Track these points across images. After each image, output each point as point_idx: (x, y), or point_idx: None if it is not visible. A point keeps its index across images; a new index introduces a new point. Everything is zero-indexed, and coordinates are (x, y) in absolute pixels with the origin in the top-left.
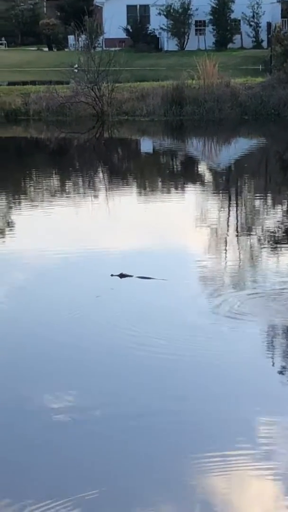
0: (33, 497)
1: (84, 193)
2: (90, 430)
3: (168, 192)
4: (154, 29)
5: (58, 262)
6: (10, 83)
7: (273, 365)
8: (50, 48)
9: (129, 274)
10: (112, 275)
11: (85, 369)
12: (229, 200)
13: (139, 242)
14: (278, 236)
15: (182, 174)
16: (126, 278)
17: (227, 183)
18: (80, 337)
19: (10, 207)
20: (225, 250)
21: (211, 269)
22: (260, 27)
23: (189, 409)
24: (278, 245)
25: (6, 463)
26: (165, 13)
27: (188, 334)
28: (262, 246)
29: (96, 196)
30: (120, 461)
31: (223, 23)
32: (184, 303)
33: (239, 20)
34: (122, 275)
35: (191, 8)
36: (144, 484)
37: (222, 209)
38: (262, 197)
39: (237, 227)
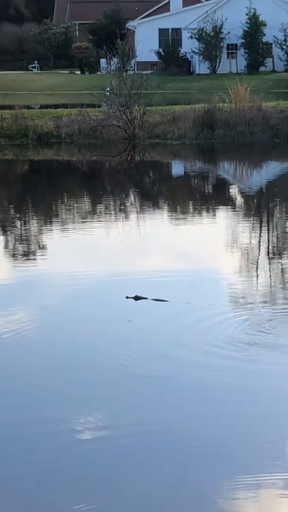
0: None
1: (115, 216)
2: (114, 451)
3: (199, 215)
4: (186, 52)
5: (88, 284)
6: (42, 106)
7: None
8: (82, 71)
9: (144, 296)
10: (127, 297)
11: (114, 390)
12: (260, 223)
13: (168, 265)
14: None
15: (213, 197)
16: (141, 300)
17: (258, 207)
18: (109, 359)
19: (42, 229)
20: (256, 273)
21: (240, 292)
22: None
23: (216, 431)
24: None
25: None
26: (197, 36)
27: (216, 354)
28: None
29: (127, 219)
30: (146, 484)
31: (255, 47)
32: (209, 324)
33: (271, 44)
34: (137, 298)
35: (223, 32)
36: (171, 508)
37: (253, 232)
38: None
39: (268, 251)
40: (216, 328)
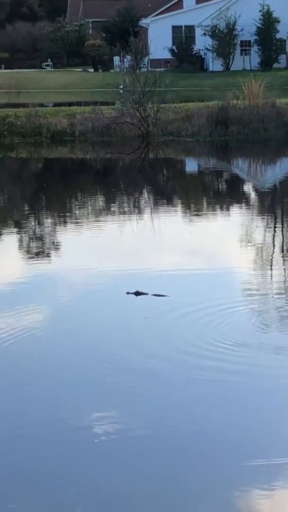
0: None
1: (129, 213)
2: (133, 452)
3: (213, 212)
4: (199, 49)
5: (101, 281)
6: (56, 104)
7: None
8: (96, 69)
9: (145, 292)
10: (127, 292)
11: (132, 390)
12: (275, 220)
13: (181, 262)
14: None
15: (227, 194)
16: (142, 295)
17: (272, 203)
18: (126, 357)
19: (56, 227)
20: (269, 271)
21: (250, 289)
22: None
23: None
24: None
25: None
26: (210, 33)
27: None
28: None
29: (140, 217)
30: (170, 487)
31: (269, 43)
32: (222, 321)
33: (285, 40)
34: (137, 293)
35: (236, 29)
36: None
37: (268, 229)
38: None
39: (282, 248)
40: (213, 325)
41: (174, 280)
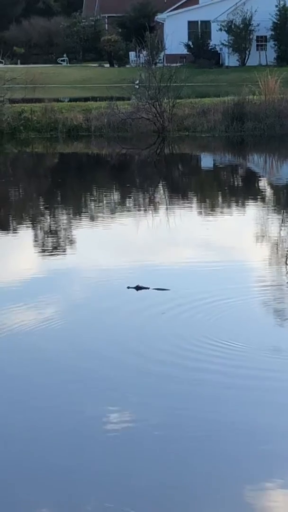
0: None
1: (144, 208)
2: (148, 445)
3: (229, 208)
4: (215, 44)
5: (114, 276)
6: (71, 100)
7: None
8: (111, 64)
9: (146, 286)
10: (128, 287)
11: (151, 385)
12: None
13: (196, 257)
14: None
15: (243, 190)
16: (143, 290)
17: (287, 199)
18: (142, 352)
19: (71, 222)
20: (286, 265)
21: (267, 284)
22: None
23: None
24: None
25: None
26: (226, 28)
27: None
28: None
29: (156, 212)
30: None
31: (285, 38)
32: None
33: None
34: (138, 287)
35: (252, 24)
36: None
37: (283, 225)
38: None
39: None
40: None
41: (186, 275)
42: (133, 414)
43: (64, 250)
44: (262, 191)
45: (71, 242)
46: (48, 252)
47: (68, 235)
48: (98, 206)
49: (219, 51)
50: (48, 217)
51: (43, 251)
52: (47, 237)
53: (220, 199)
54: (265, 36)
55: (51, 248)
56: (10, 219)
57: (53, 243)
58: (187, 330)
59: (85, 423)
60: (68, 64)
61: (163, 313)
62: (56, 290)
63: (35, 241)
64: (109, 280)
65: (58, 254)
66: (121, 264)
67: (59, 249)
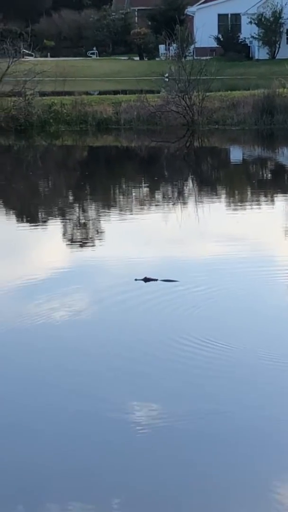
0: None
1: (173, 202)
2: (175, 442)
3: (257, 201)
4: (245, 37)
5: (140, 269)
6: (101, 93)
7: None
8: (141, 57)
9: (154, 278)
10: (136, 279)
11: (177, 381)
12: None
13: (225, 250)
14: None
15: (272, 183)
16: (151, 282)
17: None
18: (169, 347)
19: (100, 215)
20: None
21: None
22: None
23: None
24: None
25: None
26: (256, 21)
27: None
28: None
29: (185, 205)
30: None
31: None
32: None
33: None
34: (146, 279)
35: (283, 17)
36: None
37: None
38: None
39: None
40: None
41: (209, 268)
42: (163, 409)
43: (92, 243)
44: None
45: (99, 234)
46: (76, 244)
47: (97, 227)
48: (127, 199)
49: (249, 44)
50: (77, 210)
51: (71, 243)
52: (75, 229)
53: (249, 192)
54: None
55: (78, 240)
56: (40, 211)
57: (81, 235)
58: (215, 325)
59: (109, 418)
60: (98, 57)
61: (194, 306)
62: (81, 282)
63: (64, 233)
64: (133, 272)
65: (85, 246)
66: (147, 257)
67: (87, 241)
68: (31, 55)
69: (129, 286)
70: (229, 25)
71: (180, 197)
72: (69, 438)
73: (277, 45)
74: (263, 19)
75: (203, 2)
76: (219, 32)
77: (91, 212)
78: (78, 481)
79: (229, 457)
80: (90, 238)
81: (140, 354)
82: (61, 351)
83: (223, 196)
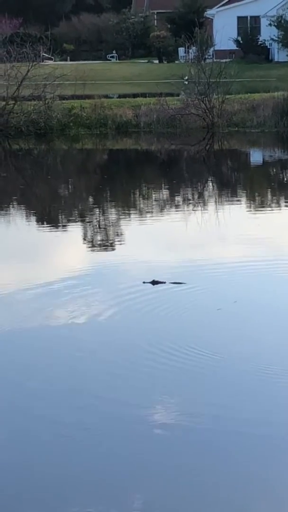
0: None
1: (193, 204)
2: (194, 443)
3: (278, 204)
4: (264, 40)
5: (160, 272)
6: (120, 96)
7: None
8: (161, 60)
9: (162, 280)
10: (144, 282)
11: (193, 380)
12: None
13: (245, 254)
14: None
15: None
16: (159, 284)
17: None
18: (185, 348)
19: (120, 218)
20: None
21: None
22: None
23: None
24: None
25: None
26: (275, 24)
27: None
28: None
29: (205, 208)
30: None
31: None
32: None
33: None
34: (154, 282)
35: None
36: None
37: None
38: None
39: None
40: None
41: (230, 272)
42: (183, 410)
43: (112, 246)
44: None
45: (119, 237)
46: (95, 247)
47: (117, 230)
48: (147, 202)
49: (268, 47)
50: (97, 213)
51: (91, 246)
52: (95, 232)
53: (269, 195)
54: None
55: (98, 243)
56: (60, 214)
57: (101, 238)
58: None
59: (129, 418)
60: (117, 61)
61: (219, 309)
62: (99, 285)
63: (84, 236)
64: (153, 275)
65: (105, 250)
66: (167, 260)
67: (106, 244)
68: (51, 59)
69: (145, 289)
70: (248, 27)
71: (200, 199)
72: (71, 440)
73: None
74: (282, 21)
75: (223, 5)
76: (238, 34)
77: (111, 215)
78: (79, 482)
79: (231, 462)
80: (110, 241)
81: (161, 358)
82: (76, 352)
83: (244, 198)
